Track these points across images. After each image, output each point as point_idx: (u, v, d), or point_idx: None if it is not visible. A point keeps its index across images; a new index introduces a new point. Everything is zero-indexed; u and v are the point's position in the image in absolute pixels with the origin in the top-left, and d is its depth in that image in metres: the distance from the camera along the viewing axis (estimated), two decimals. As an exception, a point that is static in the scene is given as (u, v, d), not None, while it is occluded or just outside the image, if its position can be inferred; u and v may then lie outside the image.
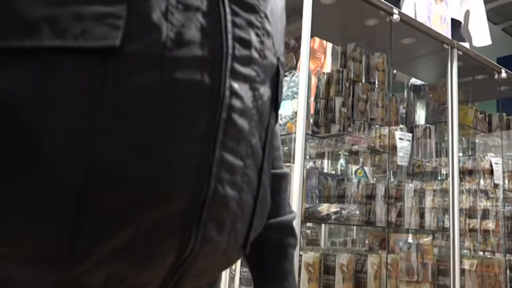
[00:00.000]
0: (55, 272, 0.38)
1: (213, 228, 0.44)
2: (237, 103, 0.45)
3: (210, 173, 0.42)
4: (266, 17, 0.50)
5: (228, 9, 0.45)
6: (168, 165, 0.40)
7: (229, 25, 0.45)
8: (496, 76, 2.64)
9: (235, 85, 0.45)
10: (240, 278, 1.73)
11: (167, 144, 0.40)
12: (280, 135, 1.87)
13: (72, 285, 0.39)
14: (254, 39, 0.47)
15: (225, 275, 1.78)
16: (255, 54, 0.47)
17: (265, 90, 0.50)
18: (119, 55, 0.38)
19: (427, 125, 2.48)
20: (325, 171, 2.37)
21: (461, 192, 2.43)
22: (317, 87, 2.10)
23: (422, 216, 2.22)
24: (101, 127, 0.37)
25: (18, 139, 0.36)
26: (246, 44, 0.46)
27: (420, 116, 2.68)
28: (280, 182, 0.68)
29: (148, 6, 0.39)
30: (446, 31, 2.45)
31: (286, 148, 1.96)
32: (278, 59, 0.54)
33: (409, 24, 2.14)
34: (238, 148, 0.46)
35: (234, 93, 0.44)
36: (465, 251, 2.53)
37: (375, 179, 2.38)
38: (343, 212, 1.83)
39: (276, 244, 0.59)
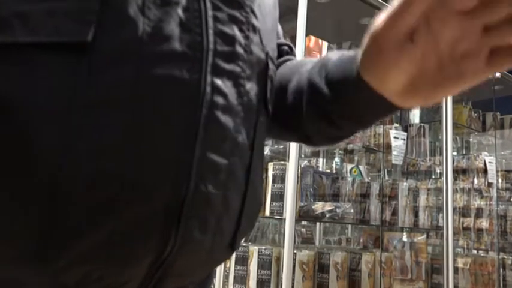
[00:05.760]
0: (28, 270, 0.37)
1: (196, 228, 0.43)
2: (219, 100, 0.43)
3: (190, 171, 0.41)
4: (252, 11, 0.49)
5: (208, 4, 0.44)
6: (145, 163, 0.39)
7: (210, 20, 0.43)
8: (490, 75, 2.65)
9: (218, 81, 0.43)
10: (234, 276, 1.73)
11: (144, 141, 0.39)
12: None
13: (47, 284, 0.38)
14: (238, 34, 0.46)
15: (219, 273, 1.78)
16: (240, 50, 0.46)
17: (252, 86, 0.49)
18: (92, 50, 0.37)
19: (422, 123, 2.50)
20: (320, 169, 2.38)
21: (455, 191, 2.44)
22: (312, 85, 2.10)
23: (416, 214, 2.23)
24: (74, 123, 0.36)
25: None
26: (229, 39, 0.45)
27: (415, 114, 2.69)
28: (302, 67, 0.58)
29: (124, 0, 0.39)
30: (441, 30, 2.46)
31: (281, 146, 1.96)
32: (267, 53, 0.52)
33: (404, 23, 2.14)
34: (222, 146, 0.44)
35: (216, 90, 0.43)
36: (459, 250, 2.54)
37: (369, 178, 2.38)
38: (338, 211, 1.83)
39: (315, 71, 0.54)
